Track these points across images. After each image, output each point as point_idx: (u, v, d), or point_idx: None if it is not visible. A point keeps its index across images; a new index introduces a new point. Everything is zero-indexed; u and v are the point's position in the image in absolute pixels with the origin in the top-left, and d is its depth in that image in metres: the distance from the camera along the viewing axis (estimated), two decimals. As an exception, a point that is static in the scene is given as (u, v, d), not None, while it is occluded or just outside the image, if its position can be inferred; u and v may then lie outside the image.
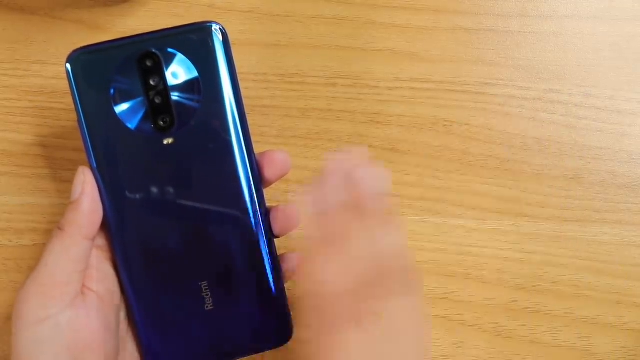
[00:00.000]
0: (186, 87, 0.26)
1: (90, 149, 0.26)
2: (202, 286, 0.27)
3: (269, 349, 0.28)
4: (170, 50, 0.26)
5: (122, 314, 0.27)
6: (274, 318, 0.28)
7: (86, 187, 0.25)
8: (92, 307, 0.25)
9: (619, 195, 0.36)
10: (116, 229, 0.26)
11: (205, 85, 0.26)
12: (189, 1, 0.36)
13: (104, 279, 0.26)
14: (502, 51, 0.37)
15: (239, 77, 0.36)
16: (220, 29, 0.26)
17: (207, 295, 0.27)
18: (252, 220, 0.27)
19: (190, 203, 0.26)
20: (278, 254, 0.28)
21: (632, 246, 0.36)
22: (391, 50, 0.37)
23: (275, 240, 0.28)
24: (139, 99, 0.26)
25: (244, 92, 0.36)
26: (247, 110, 0.36)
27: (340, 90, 0.36)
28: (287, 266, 0.28)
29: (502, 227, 0.36)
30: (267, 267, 0.27)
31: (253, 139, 0.28)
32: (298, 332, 0.28)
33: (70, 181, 0.26)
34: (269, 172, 0.27)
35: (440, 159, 0.36)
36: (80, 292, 0.25)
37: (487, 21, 0.37)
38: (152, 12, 0.36)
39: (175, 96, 0.26)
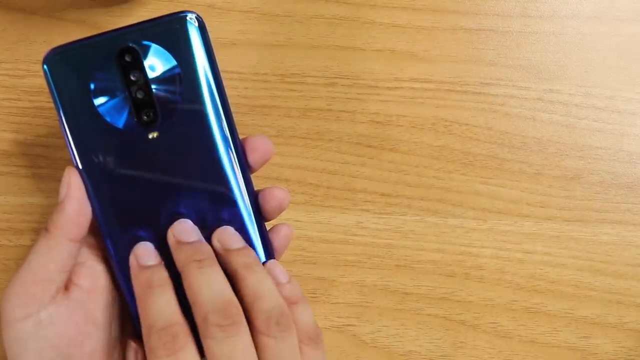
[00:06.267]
0: (167, 78, 0.26)
1: (74, 150, 0.25)
2: None
3: None
4: (147, 42, 0.25)
5: (119, 312, 0.27)
6: None
7: (71, 189, 0.25)
8: (74, 301, 0.25)
9: (619, 195, 0.36)
10: (106, 227, 0.26)
11: (185, 75, 0.26)
12: (189, 1, 0.36)
13: (91, 274, 0.26)
14: (502, 51, 0.37)
15: (239, 77, 0.36)
16: (196, 17, 0.26)
17: None
18: (242, 206, 0.27)
19: (180, 195, 0.26)
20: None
21: (632, 246, 0.36)
22: (391, 50, 0.37)
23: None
24: (121, 95, 0.25)
25: (244, 92, 0.36)
26: (247, 110, 0.36)
27: (340, 90, 0.36)
28: (277, 242, 0.28)
29: (502, 227, 0.36)
30: (260, 249, 0.27)
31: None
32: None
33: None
34: (251, 158, 0.27)
35: (440, 159, 0.36)
36: (64, 288, 0.25)
37: (487, 21, 0.37)
38: (152, 12, 0.36)
39: (156, 89, 0.26)
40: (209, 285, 0.24)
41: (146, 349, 0.23)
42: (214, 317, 0.23)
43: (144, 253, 0.26)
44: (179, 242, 0.25)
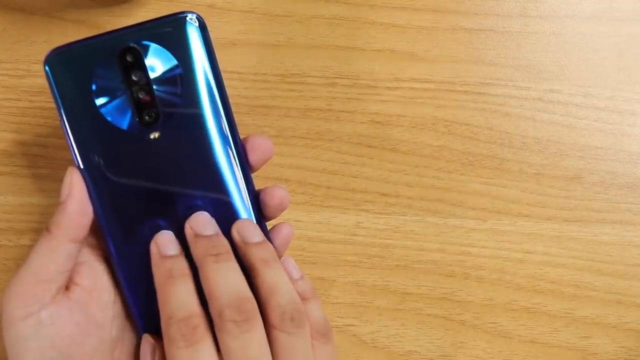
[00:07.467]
0: (168, 78, 0.26)
1: (76, 150, 0.25)
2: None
3: None
4: (148, 43, 0.25)
5: (120, 311, 0.27)
6: None
7: (73, 189, 0.25)
8: (75, 301, 0.25)
9: (619, 195, 0.36)
10: (108, 227, 0.26)
11: (186, 75, 0.26)
12: (189, 1, 0.36)
13: (92, 274, 0.26)
14: (502, 51, 0.37)
15: (239, 77, 0.36)
16: (197, 17, 0.26)
17: None
18: (244, 205, 0.27)
19: (181, 195, 0.26)
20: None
21: (632, 246, 0.36)
22: (391, 50, 0.37)
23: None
24: (122, 96, 0.26)
25: (244, 92, 0.36)
26: (247, 110, 0.36)
27: (340, 90, 0.36)
28: (278, 241, 0.29)
29: (502, 227, 0.36)
30: None
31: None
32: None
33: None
34: (252, 158, 0.27)
35: (440, 159, 0.36)
36: (65, 287, 0.25)
37: (487, 21, 0.37)
38: (152, 12, 0.36)
39: (158, 89, 0.26)
40: (225, 281, 0.24)
41: (165, 338, 0.24)
42: (229, 312, 0.23)
43: (166, 242, 0.26)
44: (197, 235, 0.26)
